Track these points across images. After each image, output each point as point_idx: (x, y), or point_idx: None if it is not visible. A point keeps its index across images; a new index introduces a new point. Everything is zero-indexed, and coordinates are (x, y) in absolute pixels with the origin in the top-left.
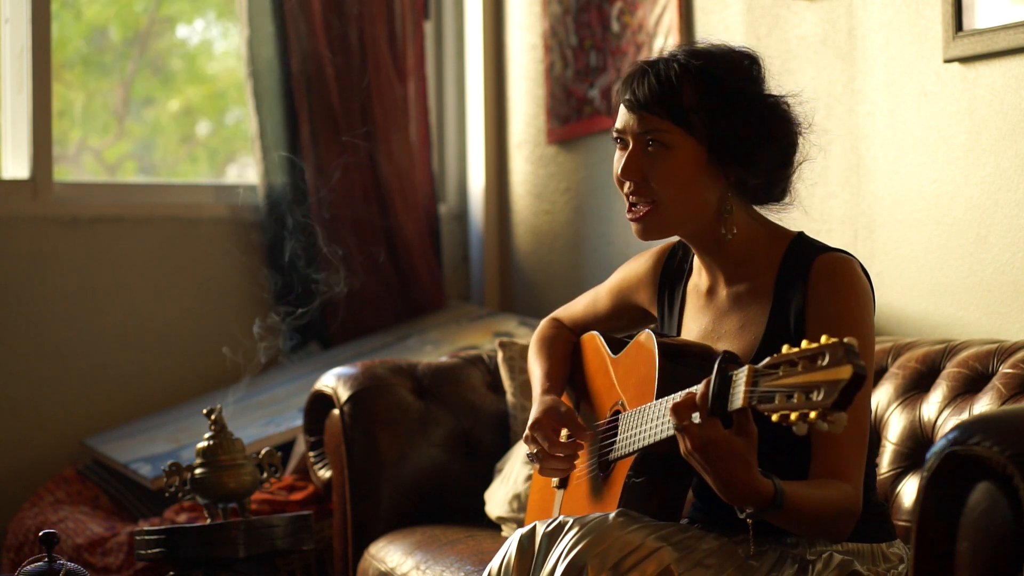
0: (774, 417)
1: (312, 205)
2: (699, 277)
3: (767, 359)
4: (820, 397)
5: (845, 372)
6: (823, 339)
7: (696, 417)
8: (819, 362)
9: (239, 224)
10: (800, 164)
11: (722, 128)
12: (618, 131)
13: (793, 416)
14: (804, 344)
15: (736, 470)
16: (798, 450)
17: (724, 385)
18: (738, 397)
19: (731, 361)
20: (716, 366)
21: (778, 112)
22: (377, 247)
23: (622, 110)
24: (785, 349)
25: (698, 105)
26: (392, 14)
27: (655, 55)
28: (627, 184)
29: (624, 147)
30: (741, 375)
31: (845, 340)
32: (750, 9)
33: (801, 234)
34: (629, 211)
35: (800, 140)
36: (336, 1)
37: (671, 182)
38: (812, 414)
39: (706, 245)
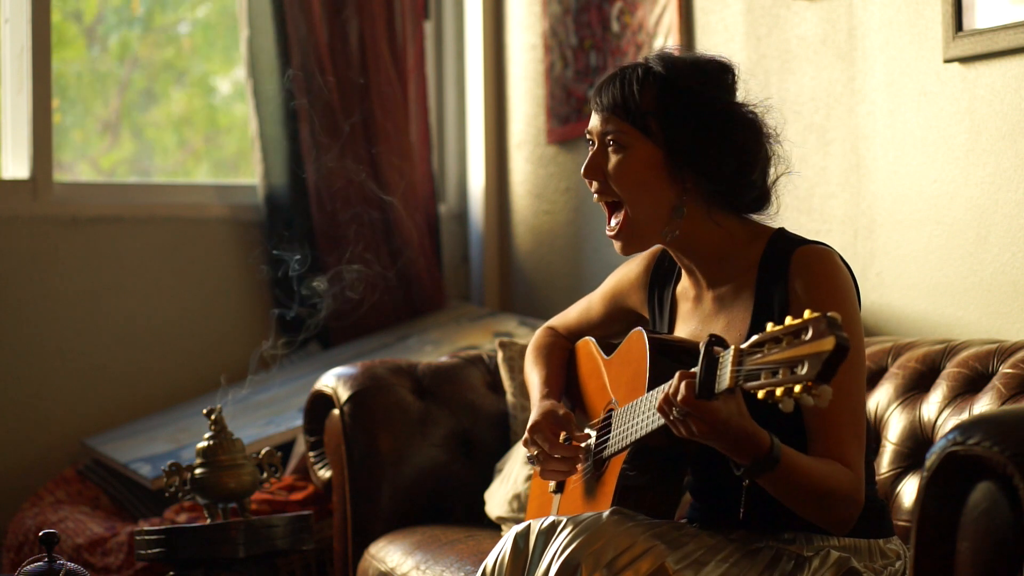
0: (760, 394)
1: (312, 205)
2: (686, 281)
3: (752, 338)
4: (804, 370)
5: (828, 344)
6: (806, 314)
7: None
8: (803, 336)
9: (239, 224)
10: (778, 175)
11: (678, 132)
12: (588, 132)
13: (779, 392)
14: (788, 320)
15: (730, 428)
16: (796, 443)
17: (711, 367)
18: (725, 377)
19: (718, 344)
20: (703, 349)
21: (741, 120)
22: (377, 247)
23: (592, 113)
24: (770, 327)
25: (655, 109)
26: (392, 14)
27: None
28: (592, 184)
29: (592, 147)
30: (727, 356)
31: (828, 313)
32: (750, 9)
33: (781, 230)
34: (608, 229)
35: (769, 149)
36: (336, 1)
37: (626, 181)
38: (797, 388)
39: (679, 247)
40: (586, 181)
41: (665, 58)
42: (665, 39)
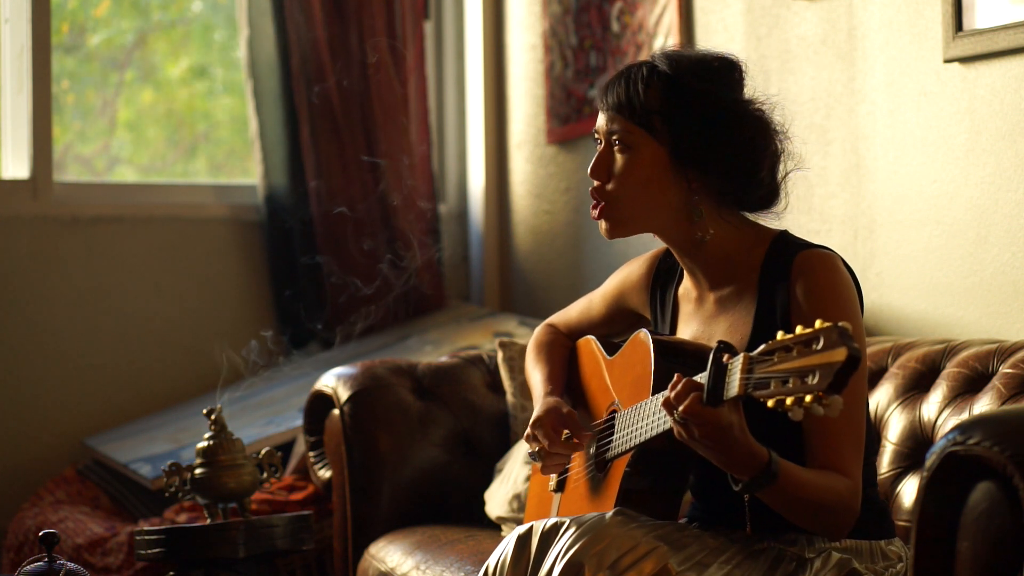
0: (770, 403)
1: (312, 205)
2: (688, 282)
3: (762, 346)
4: (815, 380)
5: (840, 354)
6: (817, 323)
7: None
8: (814, 346)
9: (239, 224)
10: (788, 172)
11: (684, 131)
12: (595, 131)
13: (789, 401)
14: (799, 329)
15: (732, 437)
16: (794, 449)
17: (720, 374)
18: (734, 385)
19: (727, 351)
20: (712, 355)
21: (748, 117)
22: (377, 247)
23: (599, 112)
24: (780, 335)
25: (660, 108)
26: (392, 14)
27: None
28: (595, 182)
29: (600, 146)
30: (736, 363)
31: (840, 324)
32: (750, 9)
33: (783, 233)
34: (592, 210)
35: (777, 146)
36: (336, 1)
37: (629, 181)
38: (807, 398)
39: (682, 248)
40: (591, 179)
41: (670, 56)
42: (665, 39)
